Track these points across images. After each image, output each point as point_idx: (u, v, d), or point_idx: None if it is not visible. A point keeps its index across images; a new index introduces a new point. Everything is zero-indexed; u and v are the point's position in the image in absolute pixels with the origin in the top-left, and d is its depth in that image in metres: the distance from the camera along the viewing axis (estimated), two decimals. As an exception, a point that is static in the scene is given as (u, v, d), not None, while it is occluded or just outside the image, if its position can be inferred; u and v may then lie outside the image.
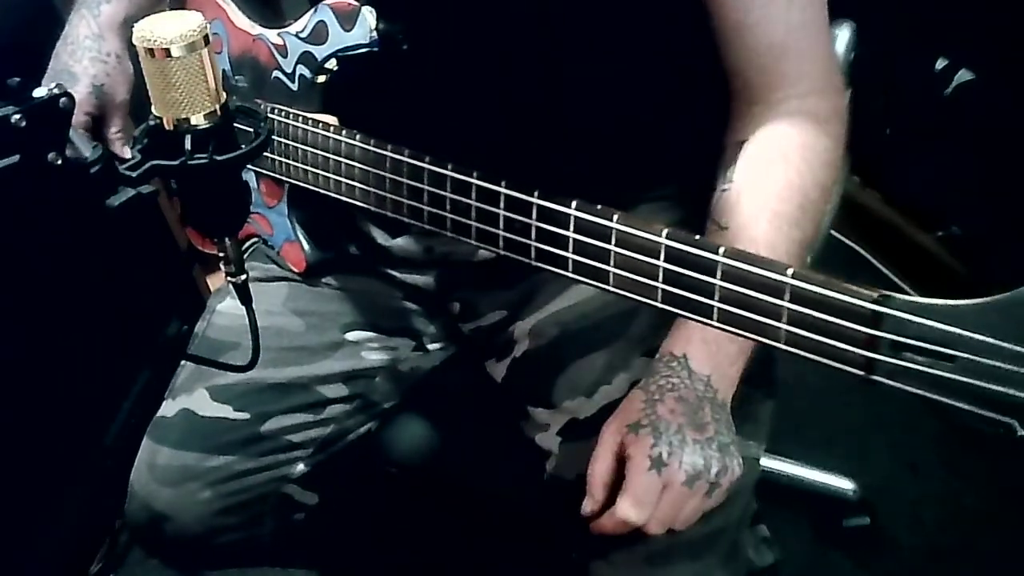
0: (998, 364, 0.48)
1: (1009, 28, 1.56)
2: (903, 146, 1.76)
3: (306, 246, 0.96)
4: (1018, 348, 0.48)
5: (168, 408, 0.97)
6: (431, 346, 1.05)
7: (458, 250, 0.96)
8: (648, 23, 0.84)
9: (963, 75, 1.66)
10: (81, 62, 0.95)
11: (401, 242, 0.97)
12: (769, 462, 1.50)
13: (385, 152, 0.77)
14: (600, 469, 0.78)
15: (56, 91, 0.58)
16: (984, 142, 1.64)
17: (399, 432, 1.06)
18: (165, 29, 0.59)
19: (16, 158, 0.57)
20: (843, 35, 1.07)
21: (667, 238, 0.60)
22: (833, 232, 1.33)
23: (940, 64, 1.68)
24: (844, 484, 1.52)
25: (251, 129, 0.66)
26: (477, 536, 1.18)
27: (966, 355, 0.49)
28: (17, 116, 0.56)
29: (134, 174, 0.61)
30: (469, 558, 1.26)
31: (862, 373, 0.53)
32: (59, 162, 0.58)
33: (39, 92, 0.58)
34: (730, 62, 0.84)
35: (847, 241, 1.82)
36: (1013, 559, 1.41)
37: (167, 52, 0.59)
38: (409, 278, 1.00)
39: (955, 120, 1.68)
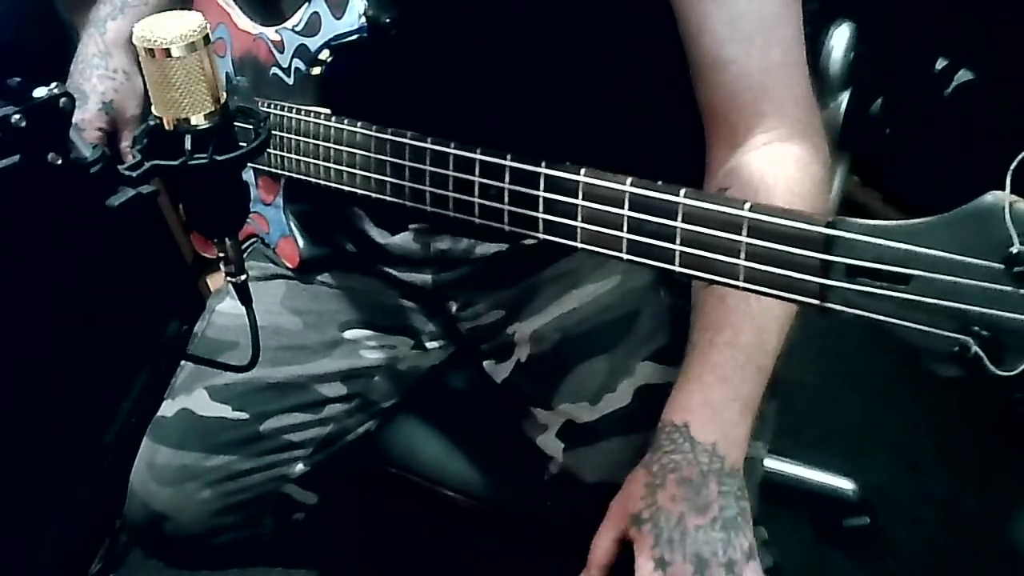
0: (953, 279, 0.47)
1: (1009, 28, 1.56)
2: (903, 146, 1.76)
3: (301, 241, 0.96)
4: (972, 259, 0.46)
5: (167, 408, 0.97)
6: (430, 344, 1.05)
7: (456, 247, 0.96)
8: (638, 19, 0.83)
9: (963, 75, 1.66)
10: (90, 80, 0.97)
11: (398, 240, 0.97)
12: (769, 462, 1.50)
13: (370, 132, 0.78)
14: (601, 550, 0.76)
15: (56, 91, 0.58)
16: (984, 142, 1.63)
17: (398, 432, 1.06)
18: (165, 29, 0.59)
19: (16, 158, 0.57)
20: (843, 35, 1.07)
21: (631, 185, 0.60)
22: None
23: (940, 64, 1.68)
24: (844, 484, 1.53)
25: (251, 128, 0.66)
26: (477, 537, 1.18)
27: (921, 273, 0.48)
28: (17, 116, 0.56)
29: (134, 174, 0.61)
30: (469, 559, 1.26)
31: (817, 302, 0.52)
32: (59, 162, 0.58)
33: (39, 92, 0.58)
34: (707, 101, 0.81)
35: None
36: (1013, 559, 1.42)
37: (167, 52, 0.59)
38: (406, 276, 1.00)
39: (955, 120, 1.68)
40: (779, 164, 0.78)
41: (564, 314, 0.94)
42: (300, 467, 0.97)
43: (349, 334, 1.01)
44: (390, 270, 1.01)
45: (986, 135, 1.64)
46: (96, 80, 0.97)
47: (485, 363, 1.01)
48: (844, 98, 1.11)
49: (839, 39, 1.07)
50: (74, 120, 0.95)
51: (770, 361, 0.76)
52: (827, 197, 0.81)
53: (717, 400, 0.75)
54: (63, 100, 0.58)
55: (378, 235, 0.98)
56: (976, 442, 1.62)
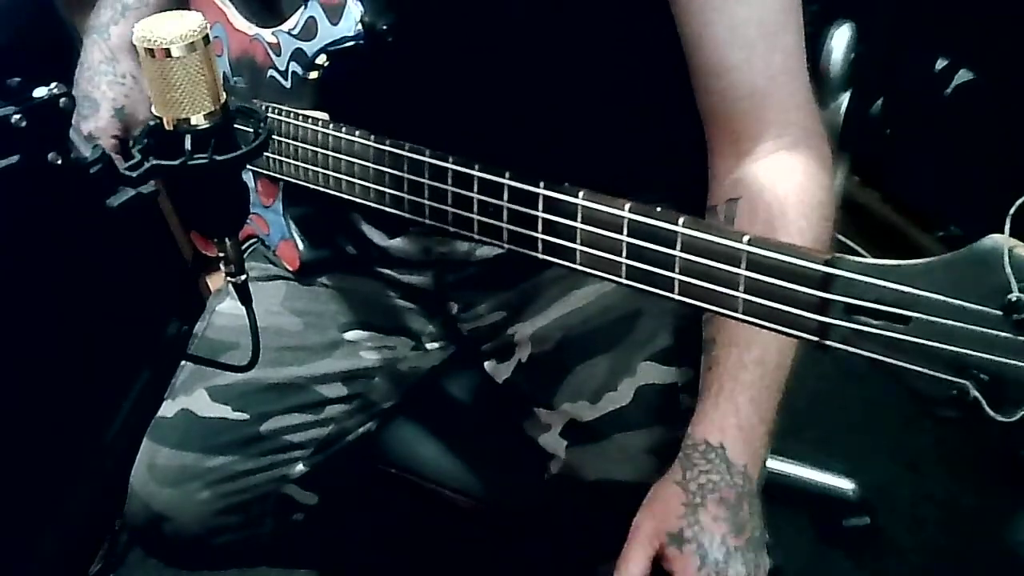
0: (952, 323, 0.47)
1: (1009, 28, 1.56)
2: (903, 146, 1.76)
3: (300, 244, 0.96)
4: (972, 304, 0.46)
5: (168, 408, 0.97)
6: (430, 345, 1.05)
7: (456, 250, 0.96)
8: (634, 27, 0.83)
9: (963, 75, 1.66)
10: (99, 87, 0.96)
11: (398, 242, 0.97)
12: (769, 462, 1.50)
13: (368, 142, 0.78)
14: (635, 569, 0.75)
15: (56, 91, 0.58)
16: (984, 142, 1.64)
17: (399, 432, 1.06)
18: (165, 29, 0.59)
19: (16, 158, 0.57)
20: (843, 35, 1.07)
21: (630, 211, 0.60)
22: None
23: (940, 64, 1.68)
24: (844, 484, 1.52)
25: (250, 129, 0.66)
26: (477, 537, 1.18)
27: (920, 315, 0.48)
28: (17, 116, 0.56)
29: (134, 174, 0.61)
30: (469, 559, 1.26)
31: (816, 339, 0.52)
32: (59, 162, 0.58)
33: (39, 92, 0.58)
34: (709, 108, 0.80)
35: (847, 241, 1.82)
36: (1013, 559, 1.42)
37: (167, 52, 0.59)
38: (406, 278, 1.00)
39: (955, 120, 1.68)
40: (788, 174, 0.77)
41: (566, 314, 0.94)
42: (300, 467, 0.97)
43: (349, 335, 1.01)
44: (390, 272, 1.01)
45: (986, 135, 1.64)
46: (105, 87, 0.96)
47: (486, 364, 1.01)
48: (844, 99, 1.11)
49: (839, 40, 1.06)
50: (88, 129, 0.95)
51: (786, 378, 0.78)
52: (835, 203, 0.80)
53: (749, 422, 0.76)
54: (63, 100, 0.58)
55: (378, 238, 0.98)
56: (976, 442, 1.62)
